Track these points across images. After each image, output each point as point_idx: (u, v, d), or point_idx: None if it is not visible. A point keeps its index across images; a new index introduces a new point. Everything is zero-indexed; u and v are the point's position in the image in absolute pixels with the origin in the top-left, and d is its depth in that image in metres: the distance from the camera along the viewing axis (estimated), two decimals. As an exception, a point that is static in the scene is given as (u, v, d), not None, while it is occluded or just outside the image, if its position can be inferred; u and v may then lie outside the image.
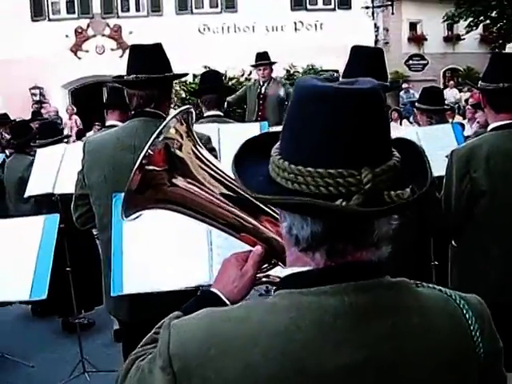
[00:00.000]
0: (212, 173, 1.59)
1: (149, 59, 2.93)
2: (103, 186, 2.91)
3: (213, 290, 1.47)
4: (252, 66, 8.86)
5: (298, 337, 1.05)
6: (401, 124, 13.11)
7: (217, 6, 21.08)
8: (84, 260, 5.31)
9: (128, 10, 21.03)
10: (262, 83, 8.38)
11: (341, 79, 1.17)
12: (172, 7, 20.68)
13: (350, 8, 20.81)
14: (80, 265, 5.15)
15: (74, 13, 20.78)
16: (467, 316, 1.17)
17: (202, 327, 1.11)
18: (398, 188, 1.06)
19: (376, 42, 23.54)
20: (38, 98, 20.23)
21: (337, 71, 19.48)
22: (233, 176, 1.19)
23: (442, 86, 23.13)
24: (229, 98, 7.54)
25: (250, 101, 8.27)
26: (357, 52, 3.08)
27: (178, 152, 1.55)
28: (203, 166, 1.58)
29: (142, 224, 2.13)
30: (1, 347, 5.52)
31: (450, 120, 12.75)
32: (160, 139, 1.52)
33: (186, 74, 3.37)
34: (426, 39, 25.08)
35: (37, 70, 19.12)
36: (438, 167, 3.37)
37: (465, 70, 23.36)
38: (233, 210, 1.56)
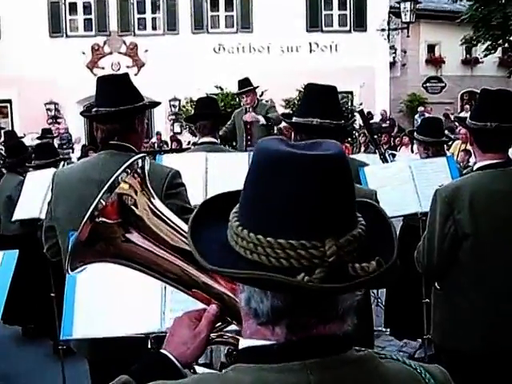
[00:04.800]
0: (166, 226, 1.50)
1: (112, 92, 2.86)
2: (68, 220, 2.82)
3: (163, 351, 1.39)
4: (234, 94, 8.79)
5: None
6: (412, 150, 12.95)
7: (232, 26, 21.25)
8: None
9: (144, 28, 21.32)
10: (247, 109, 8.27)
11: (302, 143, 1.08)
12: (188, 26, 20.88)
13: (365, 30, 20.80)
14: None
15: (91, 30, 21.13)
16: None
17: None
18: (363, 260, 0.98)
19: (393, 63, 23.48)
20: (53, 114, 20.46)
21: (351, 93, 19.47)
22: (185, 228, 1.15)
23: (459, 109, 23.00)
24: (221, 133, 7.51)
25: (239, 128, 8.20)
26: (310, 90, 2.99)
27: (133, 208, 1.47)
28: (159, 220, 1.50)
29: (97, 267, 2.05)
30: (-13, 369, 5.47)
31: (464, 146, 12.60)
32: (112, 194, 1.44)
33: (152, 105, 3.26)
34: (444, 62, 24.99)
35: (53, 86, 19.39)
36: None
37: (482, 94, 23.13)
38: (182, 263, 1.47)
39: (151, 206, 1.50)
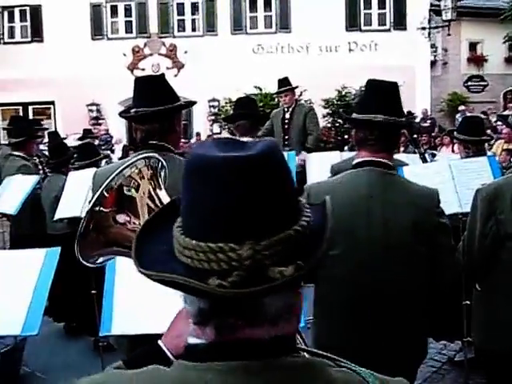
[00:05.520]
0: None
1: (149, 92, 2.86)
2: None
3: (159, 342, 1.45)
4: (274, 94, 8.80)
5: None
6: (453, 150, 12.74)
7: (271, 27, 21.28)
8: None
9: (184, 29, 21.51)
10: (285, 109, 8.28)
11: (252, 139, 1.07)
12: (227, 27, 20.99)
13: (405, 29, 20.59)
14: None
15: (131, 32, 21.41)
16: None
17: None
18: (287, 263, 0.96)
19: (434, 62, 23.18)
20: (94, 115, 20.79)
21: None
22: None
23: (502, 108, 22.57)
24: (259, 133, 7.53)
25: (277, 128, 8.19)
26: (373, 86, 2.92)
27: (132, 191, 1.48)
28: (153, 206, 1.50)
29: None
30: (32, 364, 5.58)
31: (506, 145, 12.34)
32: (118, 179, 1.46)
33: (190, 104, 3.28)
34: (486, 60, 24.56)
35: (94, 87, 19.70)
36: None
37: (526, 92, 22.71)
38: None
39: (152, 193, 1.50)
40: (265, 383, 1.00)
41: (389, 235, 2.68)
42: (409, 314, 2.74)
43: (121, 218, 1.49)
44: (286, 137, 8.00)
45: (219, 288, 0.94)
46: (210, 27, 21.10)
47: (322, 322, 2.85)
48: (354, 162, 2.84)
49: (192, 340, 1.07)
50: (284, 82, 8.26)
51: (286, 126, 8.11)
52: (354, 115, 2.85)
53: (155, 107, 2.79)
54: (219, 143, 1.04)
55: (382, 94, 2.80)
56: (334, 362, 1.10)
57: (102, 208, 1.47)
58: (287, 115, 8.18)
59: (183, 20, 21.53)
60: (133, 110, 2.87)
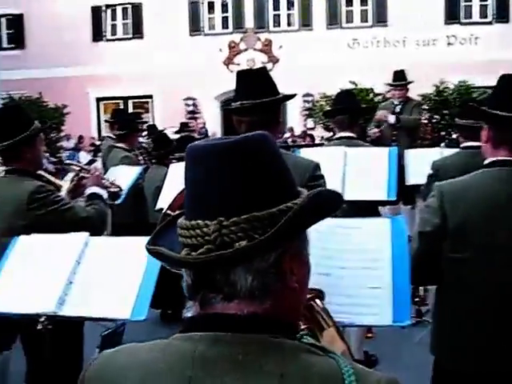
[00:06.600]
0: None
1: (254, 85, 2.89)
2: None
3: None
4: (389, 84, 8.58)
5: (155, 377, 1.07)
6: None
7: (367, 21, 20.99)
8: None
9: (279, 24, 21.60)
10: (394, 102, 8.09)
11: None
12: (322, 22, 20.89)
13: (507, 21, 19.77)
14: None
15: (227, 28, 21.72)
16: None
17: (105, 358, 1.17)
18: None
19: (539, 56, 22.13)
20: (191, 109, 21.25)
21: (491, 88, 18.53)
22: None
23: None
24: (378, 134, 7.34)
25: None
26: (505, 81, 2.74)
27: None
28: None
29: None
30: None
31: None
32: None
33: (294, 95, 3.30)
34: None
35: (191, 82, 20.13)
36: None
37: None
38: None
39: None
40: (224, 355, 1.05)
41: None
42: None
43: None
44: (395, 132, 7.78)
45: (186, 256, 1.06)
46: (306, 22, 21.08)
47: (443, 326, 2.77)
48: (489, 161, 2.70)
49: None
50: (400, 75, 8.09)
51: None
52: (498, 112, 2.73)
53: (260, 99, 2.82)
54: (222, 138, 1.15)
55: None
56: (324, 352, 1.11)
57: (169, 211, 1.53)
58: (397, 109, 7.97)
59: (279, 15, 21.65)
60: (238, 103, 2.90)
